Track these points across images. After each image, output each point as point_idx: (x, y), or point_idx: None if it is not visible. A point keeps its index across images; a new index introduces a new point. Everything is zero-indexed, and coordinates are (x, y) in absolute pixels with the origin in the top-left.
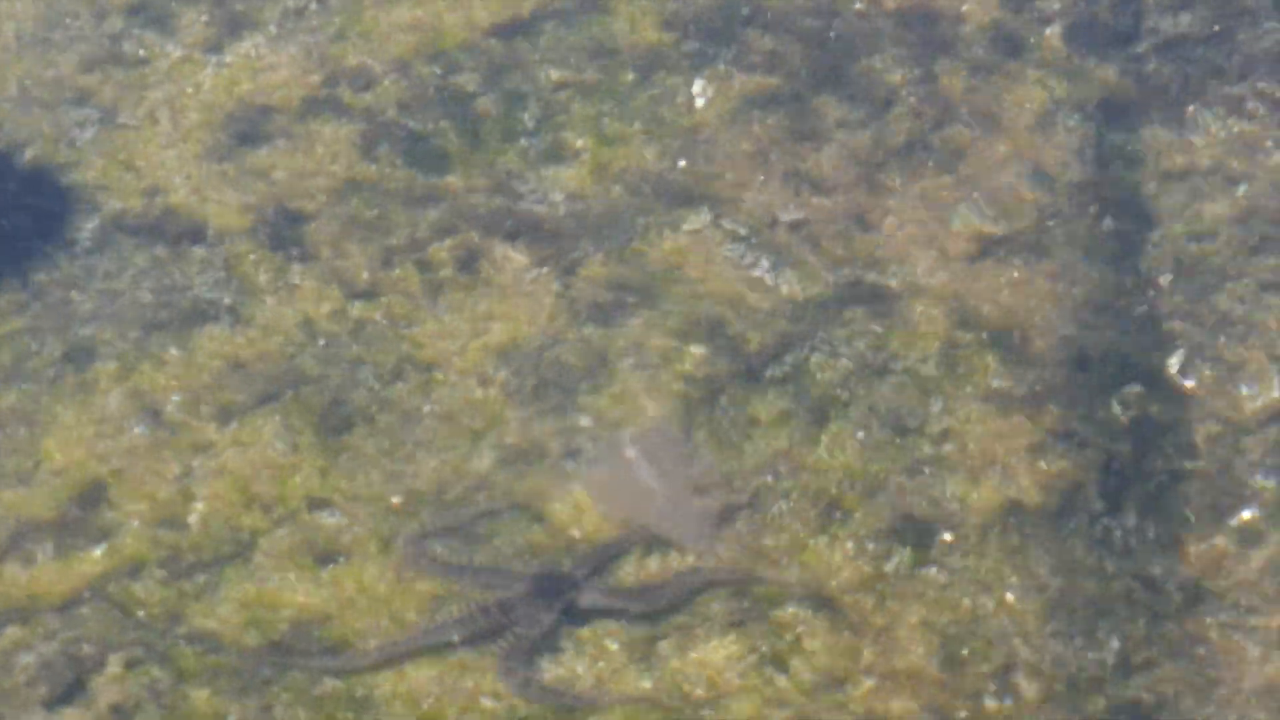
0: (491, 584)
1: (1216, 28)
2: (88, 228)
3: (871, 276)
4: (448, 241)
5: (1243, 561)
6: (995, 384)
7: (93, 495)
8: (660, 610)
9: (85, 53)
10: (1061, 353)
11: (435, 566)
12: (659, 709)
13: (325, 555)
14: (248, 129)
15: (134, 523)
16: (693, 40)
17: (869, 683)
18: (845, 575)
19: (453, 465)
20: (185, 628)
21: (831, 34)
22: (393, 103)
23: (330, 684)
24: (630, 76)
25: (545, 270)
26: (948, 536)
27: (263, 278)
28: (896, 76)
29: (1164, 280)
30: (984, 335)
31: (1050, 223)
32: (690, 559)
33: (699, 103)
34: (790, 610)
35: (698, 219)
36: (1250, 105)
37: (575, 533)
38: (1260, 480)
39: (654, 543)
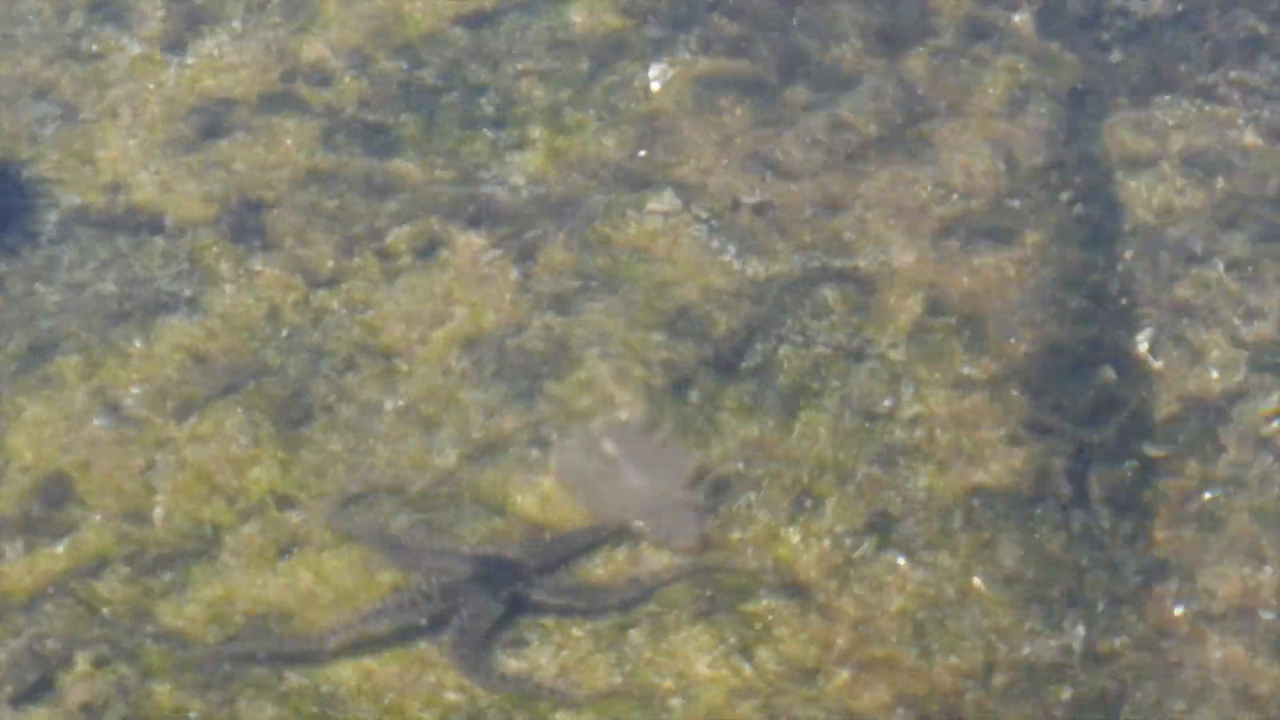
0: (435, 566)
1: (1180, 7)
2: (51, 221)
3: (837, 261)
4: (406, 228)
5: (1208, 546)
6: (964, 370)
7: (56, 490)
8: (608, 610)
9: (48, 51)
10: (1030, 337)
11: (375, 538)
12: (627, 700)
13: (287, 550)
14: (209, 121)
15: (97, 517)
16: (654, 26)
17: (841, 673)
18: (815, 564)
19: (414, 457)
20: (152, 625)
21: (795, 21)
22: (354, 95)
23: (295, 680)
24: (585, 65)
25: (504, 254)
26: (915, 524)
27: (224, 268)
28: (861, 61)
29: (1132, 263)
30: (953, 320)
31: (1017, 205)
32: (665, 554)
33: (655, 86)
34: (764, 603)
35: (660, 202)
36: (1222, 92)
37: (540, 523)
38: (1229, 462)
39: (623, 537)
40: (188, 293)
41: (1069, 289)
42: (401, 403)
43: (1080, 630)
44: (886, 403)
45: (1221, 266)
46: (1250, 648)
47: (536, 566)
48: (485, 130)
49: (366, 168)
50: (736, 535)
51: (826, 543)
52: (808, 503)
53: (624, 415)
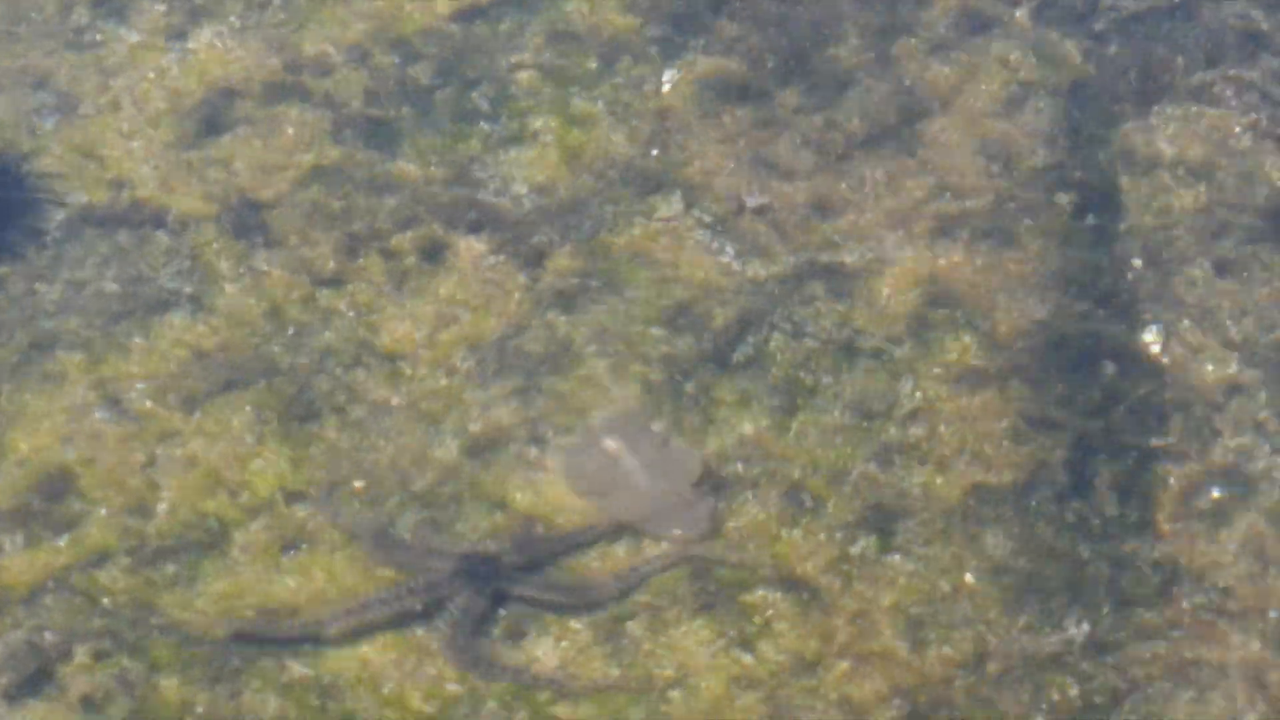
0: (418, 563)
1: None
2: (53, 218)
3: (838, 259)
4: (410, 233)
5: (1216, 540)
6: (965, 364)
7: (58, 485)
8: (590, 606)
9: (50, 46)
10: (1031, 333)
11: (364, 535)
12: (625, 691)
13: (293, 546)
14: (211, 115)
15: (101, 511)
16: (655, 26)
17: (840, 664)
18: (813, 560)
19: (417, 454)
20: (157, 619)
21: (794, 19)
22: (358, 90)
23: (298, 671)
24: (593, 64)
25: (508, 259)
26: (915, 521)
27: (225, 265)
28: (860, 59)
29: (1134, 261)
30: (958, 314)
31: (1012, 205)
32: (663, 548)
33: (665, 88)
34: (760, 594)
35: (669, 206)
36: (1218, 90)
37: (537, 519)
38: (1233, 457)
39: (622, 532)
40: (189, 290)
41: (1068, 284)
42: (405, 401)
43: (1086, 626)
44: (885, 399)
45: (1215, 266)
46: (1261, 638)
47: (519, 563)
48: (483, 124)
49: (368, 166)
50: (734, 529)
51: (823, 538)
52: (806, 499)
53: (624, 410)
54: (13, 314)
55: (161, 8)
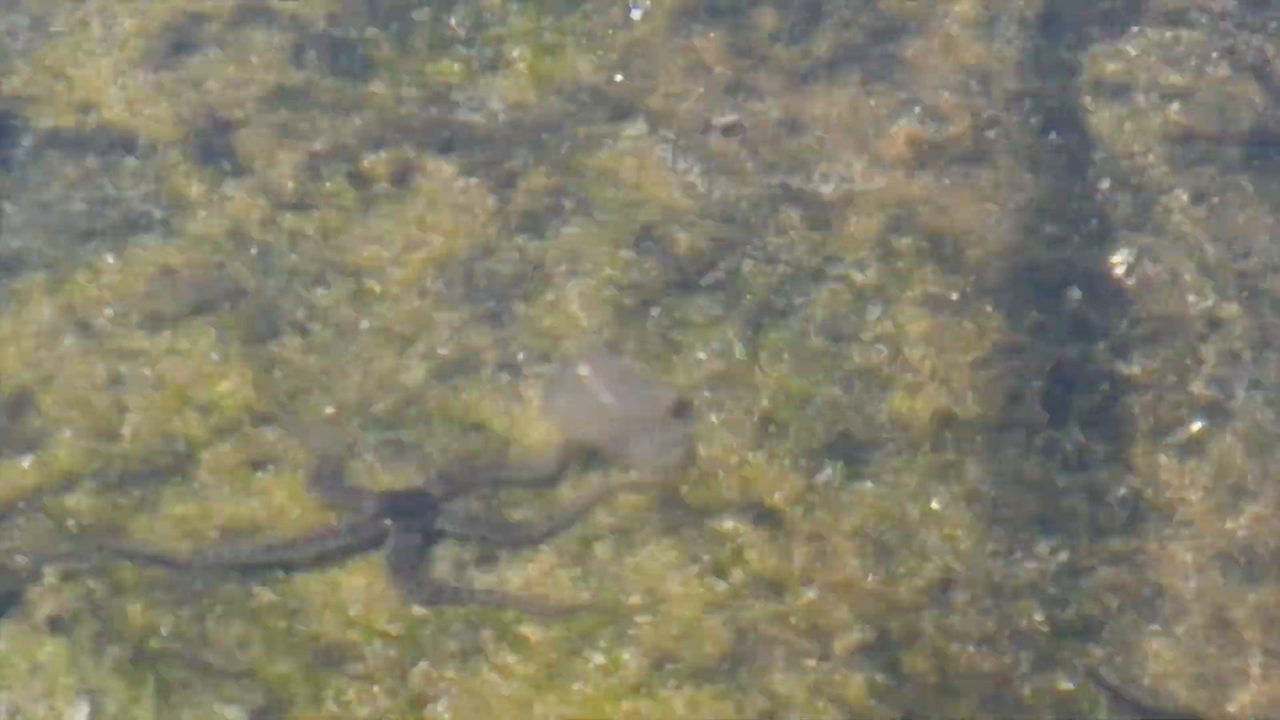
0: (345, 502)
1: None
2: (21, 141)
3: (807, 183)
4: (382, 153)
5: (1187, 473)
6: (933, 290)
7: (22, 403)
8: (517, 543)
9: None
10: (1002, 258)
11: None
12: (593, 613)
13: (259, 466)
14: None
15: (65, 432)
16: None
17: (808, 594)
18: (781, 489)
19: (383, 377)
20: (122, 540)
21: None
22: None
23: (264, 596)
24: None
25: (478, 180)
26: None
27: (195, 189)
28: None
29: (1103, 187)
30: (923, 241)
31: (989, 132)
32: (633, 475)
33: (635, 14)
34: (729, 524)
35: (634, 129)
36: (1193, 17)
37: (511, 443)
38: (1203, 390)
39: (591, 459)
40: (158, 214)
41: (1039, 210)
42: (375, 323)
43: (1061, 556)
44: (852, 324)
45: (1190, 194)
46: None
47: (445, 496)
48: (459, 49)
49: (336, 88)
50: (703, 455)
51: (788, 464)
52: (771, 426)
53: (594, 336)
54: None
55: None
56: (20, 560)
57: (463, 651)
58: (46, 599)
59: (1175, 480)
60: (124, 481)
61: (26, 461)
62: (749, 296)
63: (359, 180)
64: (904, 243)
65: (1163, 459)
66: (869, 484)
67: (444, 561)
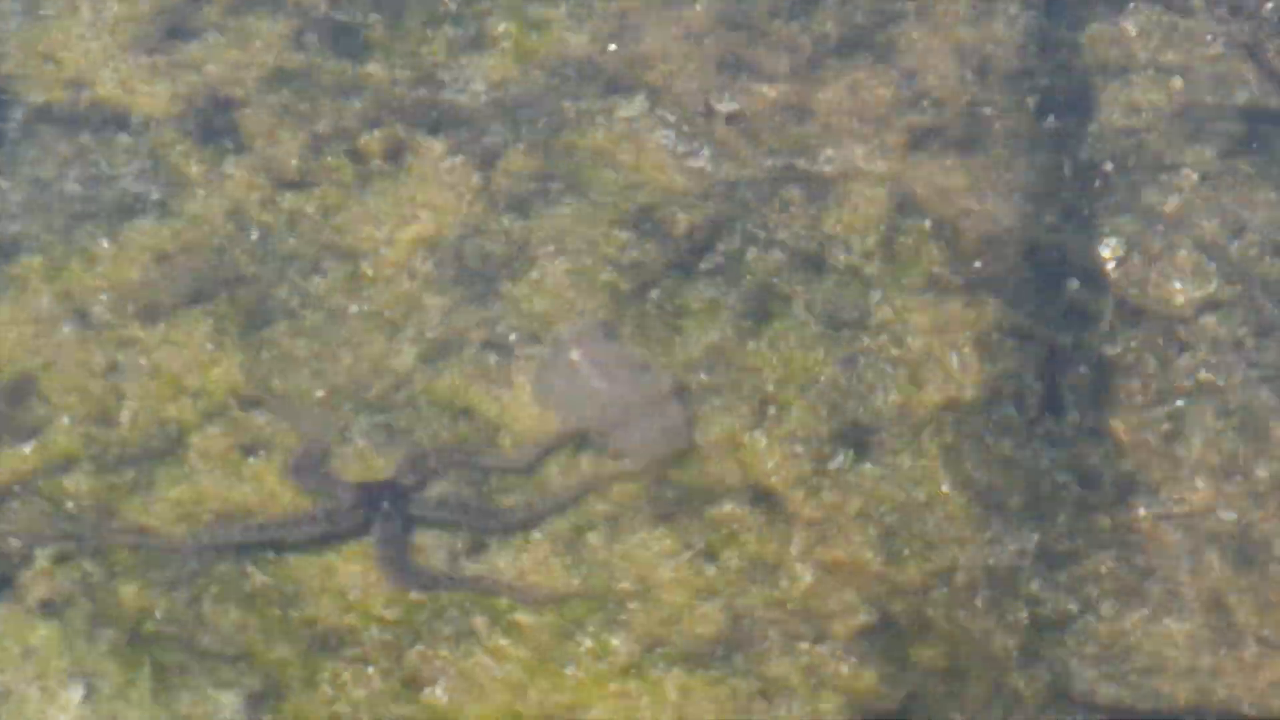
0: (321, 489)
1: None
2: (13, 119)
3: (808, 165)
4: (376, 133)
5: (1176, 454)
6: (934, 273)
7: (23, 390)
8: (493, 532)
9: None
10: (999, 244)
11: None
12: (585, 601)
13: (251, 451)
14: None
15: (64, 418)
16: None
17: (805, 576)
18: (780, 473)
19: (375, 360)
20: (117, 523)
21: None
22: None
23: (259, 579)
24: None
25: (466, 160)
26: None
27: (193, 168)
28: None
29: (1103, 170)
30: (926, 224)
31: (988, 112)
32: (626, 464)
33: None
34: (727, 508)
35: (631, 107)
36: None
37: (502, 428)
38: (1196, 372)
39: (582, 443)
40: (156, 194)
41: (1039, 195)
42: (366, 307)
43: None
44: (854, 309)
45: (1192, 175)
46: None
47: (411, 483)
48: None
49: (334, 69)
50: (701, 441)
51: (790, 448)
52: (772, 410)
53: (587, 318)
54: None
55: None
56: (14, 544)
57: (457, 635)
58: (39, 582)
59: (1170, 464)
60: (120, 465)
61: (28, 448)
62: (748, 278)
63: (357, 156)
64: (905, 225)
65: (1151, 439)
66: (868, 465)
67: (438, 550)
